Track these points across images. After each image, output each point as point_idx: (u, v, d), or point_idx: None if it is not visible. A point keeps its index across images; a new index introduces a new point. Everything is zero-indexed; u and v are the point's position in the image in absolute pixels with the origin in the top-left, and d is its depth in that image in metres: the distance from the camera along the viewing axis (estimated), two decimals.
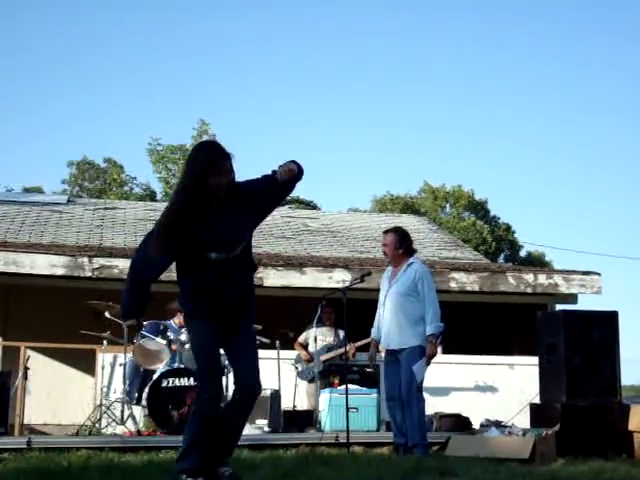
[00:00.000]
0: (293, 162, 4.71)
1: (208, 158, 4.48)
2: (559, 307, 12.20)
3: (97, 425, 9.34)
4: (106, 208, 17.89)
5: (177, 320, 9.80)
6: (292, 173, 4.64)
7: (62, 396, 12.66)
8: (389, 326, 7.56)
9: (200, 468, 4.59)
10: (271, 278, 11.31)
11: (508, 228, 40.30)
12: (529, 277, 12.33)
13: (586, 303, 12.86)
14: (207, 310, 4.62)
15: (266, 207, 4.86)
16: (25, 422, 10.67)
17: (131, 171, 39.81)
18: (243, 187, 4.67)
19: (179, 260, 4.69)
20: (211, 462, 4.64)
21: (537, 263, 35.82)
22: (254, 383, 4.66)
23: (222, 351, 4.77)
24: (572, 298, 12.60)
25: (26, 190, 33.47)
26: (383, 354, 7.88)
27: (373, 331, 7.85)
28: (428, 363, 7.36)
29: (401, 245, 7.65)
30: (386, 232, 7.89)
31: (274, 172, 4.69)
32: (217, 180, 4.47)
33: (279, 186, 4.67)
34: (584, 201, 69.60)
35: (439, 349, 7.78)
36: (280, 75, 66.69)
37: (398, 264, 7.67)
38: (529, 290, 12.27)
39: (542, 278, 12.34)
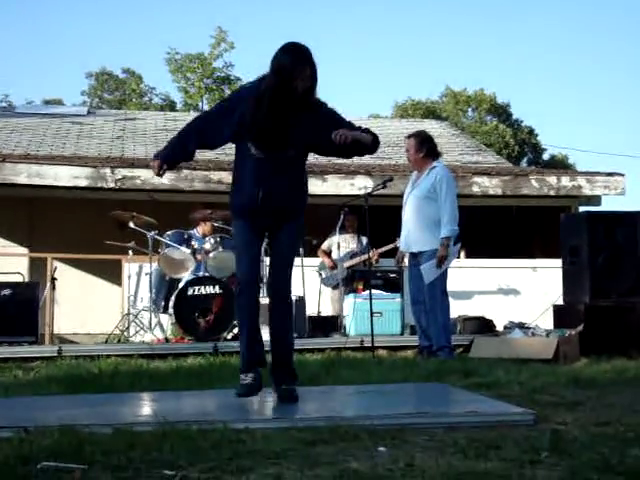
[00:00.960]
0: (371, 134, 4.59)
1: (287, 59, 4.40)
2: (582, 209, 12.15)
3: (125, 333, 9.50)
4: (126, 119, 17.83)
5: (200, 229, 9.86)
6: (346, 137, 4.43)
7: (90, 306, 12.85)
8: (409, 230, 7.58)
9: (250, 359, 4.61)
10: None
11: (531, 131, 39.81)
12: (552, 180, 12.25)
13: (610, 204, 12.81)
14: (240, 205, 4.64)
15: (325, 140, 4.58)
16: (55, 332, 10.85)
17: (150, 81, 39.55)
18: (322, 107, 4.61)
19: (236, 146, 4.69)
20: (261, 354, 4.67)
21: (560, 166, 35.46)
22: (279, 292, 4.71)
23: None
24: (596, 200, 12.55)
25: (46, 102, 33.38)
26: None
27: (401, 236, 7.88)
28: (439, 265, 7.32)
29: (421, 148, 7.60)
30: (407, 137, 7.84)
31: (352, 125, 4.58)
32: (294, 83, 4.38)
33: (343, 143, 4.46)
34: (607, 102, 68.63)
35: (462, 253, 7.79)
36: None
37: (421, 168, 7.63)
38: (552, 193, 12.21)
39: (565, 180, 12.26)
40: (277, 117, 4.44)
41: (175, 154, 4.71)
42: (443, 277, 7.45)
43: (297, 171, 4.71)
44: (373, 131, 4.66)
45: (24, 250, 13.55)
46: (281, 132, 4.48)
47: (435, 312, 7.39)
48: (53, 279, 10.63)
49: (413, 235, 7.54)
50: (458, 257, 7.69)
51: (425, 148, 7.61)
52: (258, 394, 4.57)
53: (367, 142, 4.59)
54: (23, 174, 11.04)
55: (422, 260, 7.43)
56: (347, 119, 4.71)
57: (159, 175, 4.67)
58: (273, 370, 4.66)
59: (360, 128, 4.63)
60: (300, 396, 4.49)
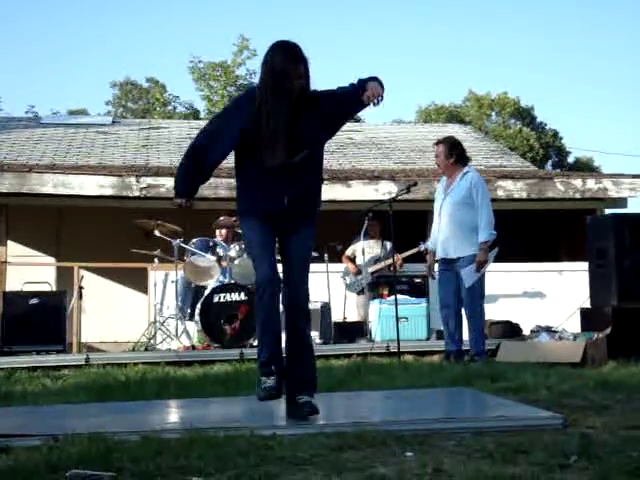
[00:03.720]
0: (376, 80, 4.48)
1: (280, 59, 4.33)
2: (608, 212, 12.06)
3: (152, 341, 9.53)
4: (150, 128, 17.91)
5: (219, 235, 9.81)
6: (378, 94, 4.36)
7: (116, 314, 12.90)
8: (446, 236, 7.56)
9: (270, 362, 4.39)
10: None
11: (555, 134, 39.61)
12: (577, 182, 12.17)
13: (636, 207, 12.71)
14: (258, 212, 4.49)
15: (338, 122, 4.67)
16: (82, 340, 10.92)
17: (174, 90, 39.74)
18: (320, 97, 4.48)
19: (237, 156, 4.58)
20: (281, 359, 4.46)
21: (585, 169, 35.26)
22: (296, 302, 4.53)
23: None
24: (622, 202, 12.45)
25: (71, 113, 33.58)
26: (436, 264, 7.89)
27: (429, 241, 7.90)
28: (478, 270, 7.38)
29: (451, 154, 7.62)
30: (436, 143, 7.85)
31: (354, 86, 4.49)
32: (290, 83, 4.32)
33: (355, 102, 4.45)
34: (632, 104, 68.13)
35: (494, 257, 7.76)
36: None
37: (452, 174, 7.64)
38: (577, 195, 12.13)
39: (591, 183, 12.18)
40: (283, 121, 4.34)
41: (194, 183, 4.64)
42: (481, 282, 7.50)
43: (314, 170, 4.62)
44: (369, 77, 4.53)
45: (51, 259, 13.65)
46: (291, 136, 4.37)
47: (475, 317, 7.45)
48: (80, 288, 10.70)
49: (451, 241, 7.52)
50: (494, 261, 7.71)
51: (455, 154, 7.63)
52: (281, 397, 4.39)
53: (381, 84, 4.47)
54: (49, 184, 11.12)
55: (460, 265, 7.43)
56: (336, 87, 4.58)
57: (189, 206, 4.63)
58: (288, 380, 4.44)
59: (354, 85, 4.51)
60: (327, 402, 4.46)
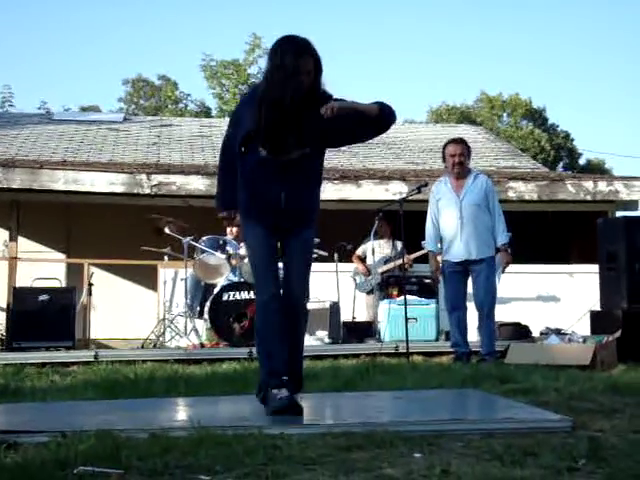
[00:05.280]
0: (380, 104, 4.33)
1: (287, 53, 4.20)
2: (619, 214, 12.02)
3: (161, 339, 9.55)
4: (162, 125, 17.94)
5: (230, 233, 9.81)
6: (333, 107, 4.18)
7: (125, 311, 12.92)
8: (467, 237, 7.52)
9: (283, 372, 4.32)
10: (327, 191, 11.27)
11: (567, 136, 39.52)
12: (589, 184, 12.14)
13: None
14: (257, 213, 4.43)
15: (340, 135, 4.49)
16: (91, 337, 10.94)
17: (185, 88, 39.78)
18: (329, 99, 4.31)
19: (240, 157, 4.44)
20: (287, 368, 4.38)
21: (597, 171, 35.16)
22: (295, 303, 4.46)
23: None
24: (633, 205, 12.41)
25: (83, 109, 33.66)
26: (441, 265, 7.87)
27: (430, 244, 7.82)
28: (504, 270, 7.59)
29: (469, 156, 7.70)
30: (456, 141, 7.81)
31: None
32: (299, 79, 4.20)
33: (360, 122, 4.31)
34: None
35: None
36: None
37: (464, 176, 7.63)
38: (589, 198, 12.10)
39: (602, 185, 12.15)
40: (287, 117, 4.24)
41: (232, 189, 4.55)
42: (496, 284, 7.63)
43: (314, 170, 4.53)
44: (383, 102, 4.36)
45: (61, 256, 13.69)
46: (294, 132, 4.28)
47: (491, 318, 7.53)
48: (90, 284, 10.73)
49: (473, 242, 7.50)
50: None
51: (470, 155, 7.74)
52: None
53: (370, 110, 4.30)
54: (60, 180, 11.15)
55: (477, 268, 7.44)
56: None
57: (233, 214, 4.60)
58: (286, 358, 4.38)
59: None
60: (335, 402, 4.46)
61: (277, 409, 4.15)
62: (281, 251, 4.57)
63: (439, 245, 7.79)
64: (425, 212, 7.96)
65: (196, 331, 9.36)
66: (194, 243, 9.47)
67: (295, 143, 4.32)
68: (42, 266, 12.04)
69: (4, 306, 10.85)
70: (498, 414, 4.13)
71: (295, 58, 4.19)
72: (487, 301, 7.46)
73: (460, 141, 7.83)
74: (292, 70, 4.18)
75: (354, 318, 10.15)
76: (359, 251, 10.55)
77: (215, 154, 13.37)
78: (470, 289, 7.66)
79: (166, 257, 10.12)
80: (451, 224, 7.63)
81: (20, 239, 11.84)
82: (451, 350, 7.84)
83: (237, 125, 4.50)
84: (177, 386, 5.73)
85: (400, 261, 9.39)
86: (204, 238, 9.51)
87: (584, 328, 8.64)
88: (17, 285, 10.56)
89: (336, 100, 4.32)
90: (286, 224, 4.44)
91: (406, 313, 7.98)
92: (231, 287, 9.04)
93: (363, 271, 10.42)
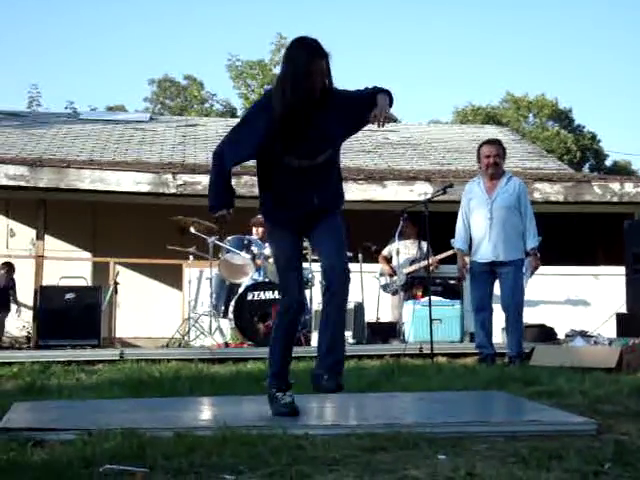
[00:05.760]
0: (387, 93, 4.37)
1: (303, 57, 4.20)
2: None
3: (186, 338, 9.59)
4: (187, 125, 18.00)
5: (255, 233, 9.83)
6: (384, 115, 4.22)
7: (151, 310, 12.98)
8: (496, 239, 7.48)
9: (286, 376, 4.44)
10: (352, 192, 11.27)
11: (593, 137, 39.28)
12: (615, 186, 12.06)
13: None
14: (286, 218, 4.45)
15: (353, 125, 4.54)
16: (116, 335, 11.00)
17: (211, 88, 39.90)
18: (340, 95, 4.37)
19: (260, 164, 4.48)
20: (288, 372, 4.50)
21: (623, 172, 34.93)
22: (337, 263, 4.37)
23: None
24: None
25: (109, 109, 33.85)
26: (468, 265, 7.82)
27: (458, 242, 7.76)
28: (532, 274, 7.57)
29: (504, 157, 7.66)
30: (492, 143, 7.78)
31: (367, 94, 4.38)
32: (312, 79, 4.20)
33: (368, 110, 4.29)
34: None
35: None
36: None
37: (498, 177, 7.58)
38: (615, 199, 12.02)
39: (629, 187, 12.07)
40: (306, 121, 4.26)
41: (229, 194, 4.51)
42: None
43: (337, 166, 4.58)
44: (382, 87, 4.42)
45: (87, 255, 13.78)
46: (315, 136, 4.30)
47: (519, 320, 7.49)
48: (116, 283, 10.79)
49: (502, 244, 7.46)
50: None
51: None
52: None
53: (390, 100, 4.36)
54: (87, 180, 11.22)
55: (506, 270, 7.43)
56: (353, 89, 4.48)
57: (228, 215, 4.50)
58: (323, 358, 4.33)
59: (371, 91, 4.39)
60: (359, 402, 4.46)
61: (283, 413, 4.23)
62: (311, 244, 4.60)
63: (467, 245, 7.75)
64: (450, 213, 7.94)
65: (221, 330, 9.39)
66: (219, 243, 9.50)
67: (318, 148, 4.35)
68: (68, 265, 12.12)
69: (31, 304, 10.95)
70: (523, 416, 4.12)
71: (310, 61, 4.20)
72: (513, 303, 7.41)
73: (495, 142, 7.81)
74: (305, 73, 4.19)
75: (378, 319, 10.14)
76: (385, 251, 10.54)
77: None
78: (497, 291, 7.63)
79: (191, 256, 10.15)
80: (480, 224, 7.58)
81: (47, 238, 11.92)
82: (475, 351, 7.81)
83: (248, 132, 4.45)
84: (201, 385, 5.75)
85: (426, 262, 9.37)
86: (229, 238, 9.53)
87: (610, 330, 8.58)
88: (44, 284, 10.65)
89: (344, 95, 4.38)
90: (315, 219, 4.45)
91: (430, 314, 7.94)
92: (255, 287, 9.05)
93: (389, 272, 10.41)
